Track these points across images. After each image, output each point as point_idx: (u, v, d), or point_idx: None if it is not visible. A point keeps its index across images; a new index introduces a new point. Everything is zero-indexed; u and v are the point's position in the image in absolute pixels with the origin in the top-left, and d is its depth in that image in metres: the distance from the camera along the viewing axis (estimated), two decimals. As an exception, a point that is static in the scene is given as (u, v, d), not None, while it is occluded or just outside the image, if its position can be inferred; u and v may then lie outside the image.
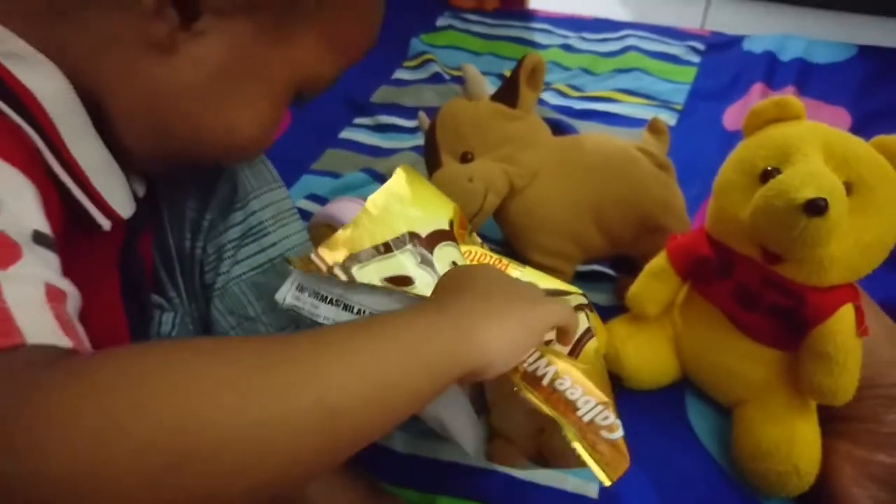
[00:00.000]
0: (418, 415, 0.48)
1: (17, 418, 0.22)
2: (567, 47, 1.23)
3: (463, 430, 0.48)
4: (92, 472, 0.22)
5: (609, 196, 0.68)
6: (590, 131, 0.97)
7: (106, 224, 0.38)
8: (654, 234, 0.67)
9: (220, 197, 0.51)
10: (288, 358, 0.28)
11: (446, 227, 0.53)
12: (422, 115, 0.75)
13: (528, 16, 1.33)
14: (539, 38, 1.26)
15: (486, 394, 0.48)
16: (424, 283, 0.48)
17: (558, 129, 0.91)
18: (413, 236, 0.51)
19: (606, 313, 0.67)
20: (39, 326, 0.26)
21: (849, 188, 0.50)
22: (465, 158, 0.67)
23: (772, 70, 1.12)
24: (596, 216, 0.68)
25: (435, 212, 0.53)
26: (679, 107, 1.07)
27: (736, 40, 1.22)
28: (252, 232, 0.52)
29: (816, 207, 0.46)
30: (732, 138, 0.95)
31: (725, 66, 1.16)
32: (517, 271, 0.54)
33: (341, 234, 0.49)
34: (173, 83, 0.37)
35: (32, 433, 0.22)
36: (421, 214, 0.52)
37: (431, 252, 0.51)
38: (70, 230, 0.35)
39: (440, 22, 1.31)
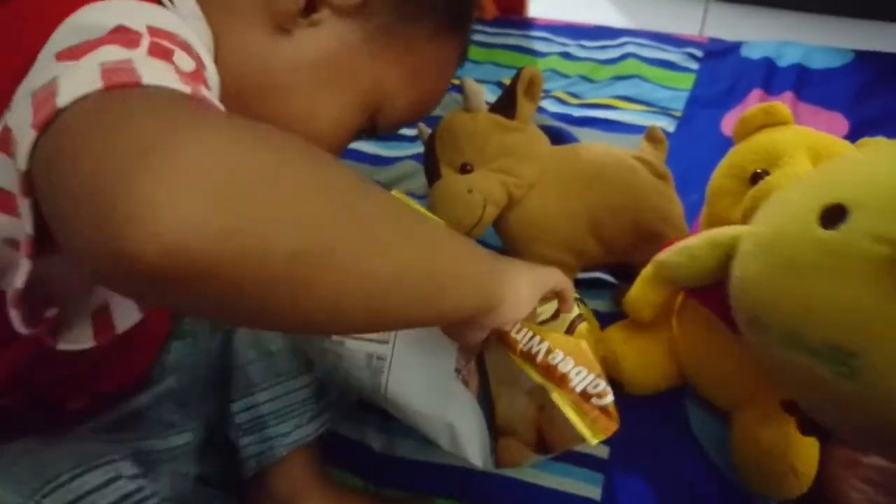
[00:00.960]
0: (429, 430, 0.50)
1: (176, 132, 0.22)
2: (566, 55, 1.24)
3: (471, 436, 0.49)
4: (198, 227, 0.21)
5: (606, 206, 0.69)
6: (589, 139, 0.98)
7: None
8: (651, 242, 0.67)
9: None
10: (411, 222, 0.32)
11: None
12: (421, 126, 0.77)
13: (528, 24, 1.35)
14: (538, 45, 1.27)
15: (490, 387, 0.49)
16: None
17: (558, 137, 0.92)
18: None
19: (606, 320, 0.68)
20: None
21: None
22: (465, 170, 0.68)
23: (770, 76, 1.13)
24: (593, 226, 0.69)
25: None
26: (678, 113, 1.08)
27: (734, 47, 1.23)
28: None
29: None
30: (731, 144, 0.95)
31: (723, 72, 1.17)
32: None
33: None
34: (279, 59, 0.40)
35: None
36: None
37: None
38: None
39: (440, 32, 1.32)
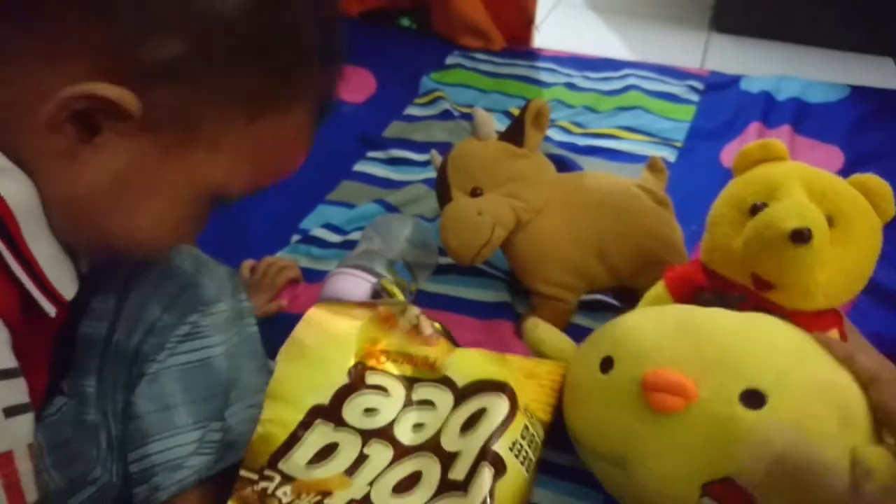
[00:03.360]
0: None
1: None
2: (571, 86, 1.28)
3: None
4: None
5: (610, 231, 0.72)
6: (592, 167, 1.01)
7: (52, 311, 0.41)
8: (654, 267, 0.70)
9: (183, 301, 0.53)
10: None
11: (346, 379, 0.54)
12: (434, 153, 0.80)
13: (534, 55, 1.39)
14: (544, 76, 1.32)
15: None
16: (349, 443, 0.51)
17: (562, 165, 0.95)
18: (318, 411, 0.52)
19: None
20: None
21: (830, 221, 0.54)
22: (475, 194, 0.72)
23: (768, 109, 1.17)
24: (598, 250, 0.72)
25: (334, 368, 0.55)
26: (679, 144, 1.11)
27: (734, 80, 1.27)
28: (197, 333, 0.53)
29: (801, 236, 0.51)
30: (730, 175, 0.98)
31: (724, 105, 1.20)
32: (452, 356, 0.56)
33: (257, 437, 0.51)
34: (76, 185, 0.39)
35: None
36: (321, 379, 0.54)
37: (341, 412, 0.53)
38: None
39: (449, 60, 1.37)
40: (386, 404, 0.54)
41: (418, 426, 0.53)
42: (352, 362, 0.55)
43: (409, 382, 0.55)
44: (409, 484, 0.49)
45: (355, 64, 1.34)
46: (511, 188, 0.71)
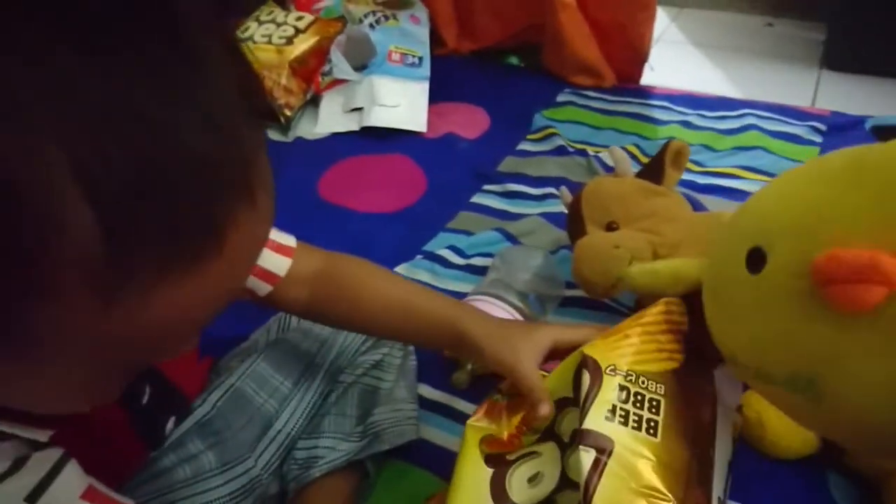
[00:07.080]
0: None
1: None
2: (686, 124, 1.28)
3: None
4: None
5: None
6: (713, 206, 1.01)
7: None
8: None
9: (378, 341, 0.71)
10: None
11: (489, 473, 0.50)
12: (564, 189, 0.82)
13: (646, 93, 1.40)
14: (658, 114, 1.32)
15: None
16: None
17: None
18: None
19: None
20: None
21: None
22: (610, 228, 0.73)
23: (897, 151, 1.13)
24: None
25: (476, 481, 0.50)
26: (802, 185, 1.09)
27: (858, 121, 1.23)
28: (381, 366, 0.70)
29: None
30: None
31: (848, 146, 1.17)
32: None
33: None
34: None
35: None
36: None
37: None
38: None
39: (560, 98, 1.40)
40: (543, 463, 0.49)
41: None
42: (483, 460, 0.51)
43: (549, 432, 0.50)
44: None
45: (469, 101, 1.39)
46: (648, 224, 0.72)
